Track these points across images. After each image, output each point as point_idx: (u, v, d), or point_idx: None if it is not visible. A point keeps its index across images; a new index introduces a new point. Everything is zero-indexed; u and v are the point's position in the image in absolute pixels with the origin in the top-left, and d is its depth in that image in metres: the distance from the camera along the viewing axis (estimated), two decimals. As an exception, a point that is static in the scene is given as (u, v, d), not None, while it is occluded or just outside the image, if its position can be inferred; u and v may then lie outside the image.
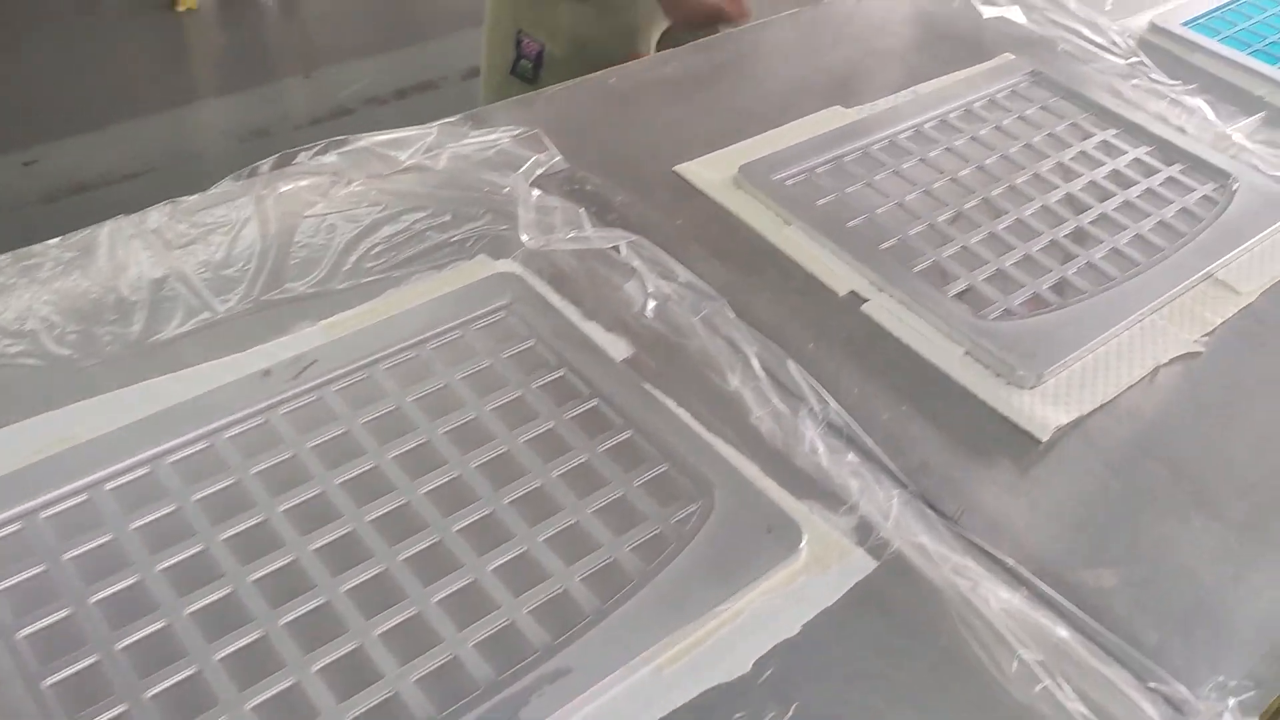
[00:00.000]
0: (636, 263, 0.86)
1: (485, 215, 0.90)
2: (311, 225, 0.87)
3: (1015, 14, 1.27)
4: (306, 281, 0.82)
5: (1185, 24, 1.27)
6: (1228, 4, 1.31)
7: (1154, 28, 1.27)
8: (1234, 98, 1.17)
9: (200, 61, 2.87)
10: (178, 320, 0.77)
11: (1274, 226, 0.98)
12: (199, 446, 0.69)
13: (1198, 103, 1.15)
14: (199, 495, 0.66)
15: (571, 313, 0.82)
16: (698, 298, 0.84)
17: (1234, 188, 1.02)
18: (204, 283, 0.81)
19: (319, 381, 0.74)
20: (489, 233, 0.89)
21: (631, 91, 1.10)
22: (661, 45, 1.40)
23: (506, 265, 0.86)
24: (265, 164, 0.90)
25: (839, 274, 0.89)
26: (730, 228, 0.94)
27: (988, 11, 1.28)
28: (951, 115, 1.09)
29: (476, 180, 0.92)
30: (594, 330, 0.81)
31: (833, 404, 0.77)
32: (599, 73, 1.12)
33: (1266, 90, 1.19)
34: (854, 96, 1.11)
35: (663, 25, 1.39)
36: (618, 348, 0.80)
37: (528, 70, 1.33)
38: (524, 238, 0.86)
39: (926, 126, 1.07)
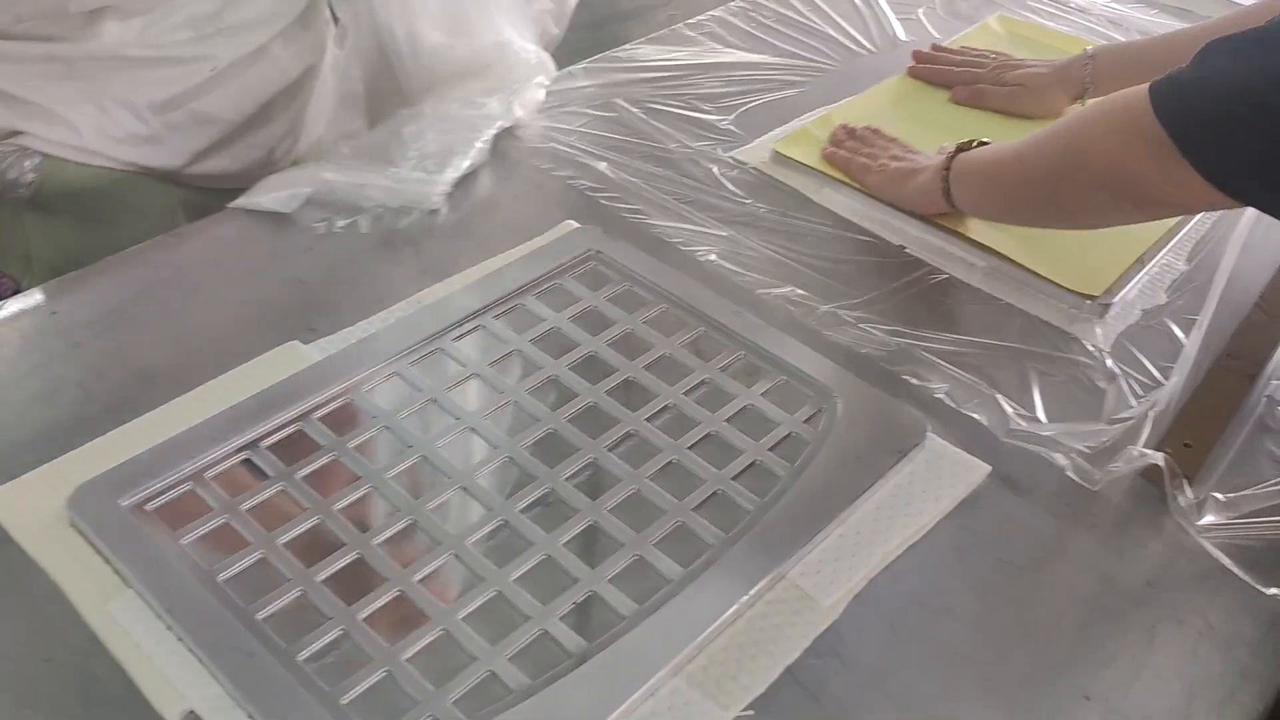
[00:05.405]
0: None
1: None
2: None
3: (603, 168, 0.96)
4: None
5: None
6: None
7: (777, 156, 0.99)
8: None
9: None
10: None
11: (868, 492, 0.68)
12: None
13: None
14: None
15: None
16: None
17: (837, 408, 0.73)
18: None
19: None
20: None
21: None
22: None
23: None
24: None
25: (177, 681, 0.56)
26: (44, 608, 0.59)
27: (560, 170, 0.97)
28: (459, 336, 0.77)
29: None
30: None
31: None
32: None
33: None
34: (327, 321, 0.79)
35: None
36: None
37: None
38: None
39: (407, 364, 0.75)
